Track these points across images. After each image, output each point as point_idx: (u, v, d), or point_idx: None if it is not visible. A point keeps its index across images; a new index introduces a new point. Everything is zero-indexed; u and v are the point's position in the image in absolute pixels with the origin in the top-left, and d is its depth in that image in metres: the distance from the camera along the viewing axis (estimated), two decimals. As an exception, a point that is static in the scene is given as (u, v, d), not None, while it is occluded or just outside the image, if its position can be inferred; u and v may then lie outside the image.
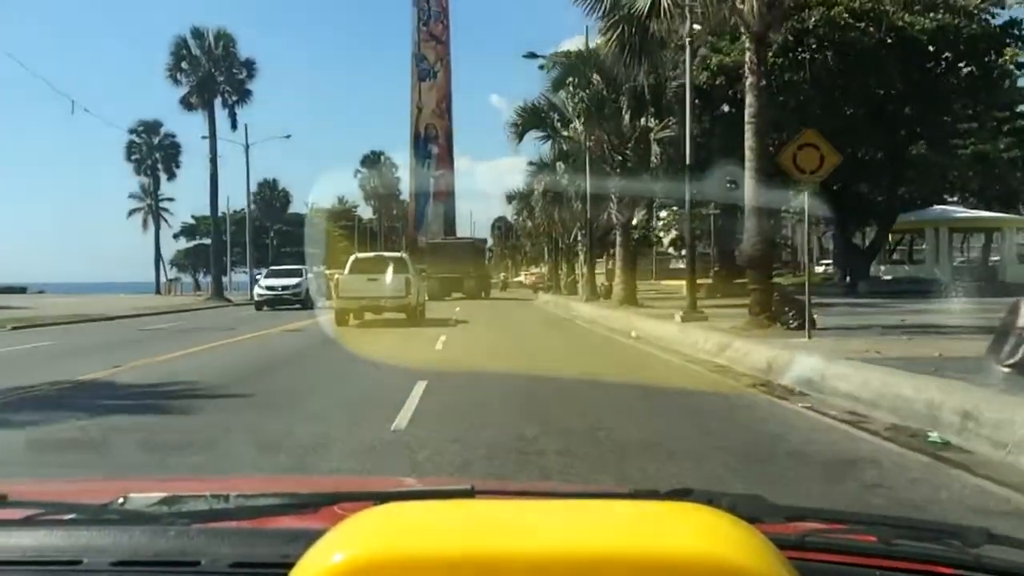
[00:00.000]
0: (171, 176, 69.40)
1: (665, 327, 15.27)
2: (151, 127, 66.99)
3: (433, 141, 76.93)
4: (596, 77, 21.65)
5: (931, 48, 27.04)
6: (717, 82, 24.51)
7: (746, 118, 12.83)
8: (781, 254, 68.61)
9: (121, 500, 1.21)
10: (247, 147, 46.70)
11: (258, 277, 35.48)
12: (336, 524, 0.94)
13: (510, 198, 48.18)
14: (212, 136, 42.10)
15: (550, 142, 24.35)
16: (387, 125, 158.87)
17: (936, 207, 39.45)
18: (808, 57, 25.55)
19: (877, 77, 26.20)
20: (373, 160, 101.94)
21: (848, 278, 33.54)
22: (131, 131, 66.54)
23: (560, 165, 32.47)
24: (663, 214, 54.85)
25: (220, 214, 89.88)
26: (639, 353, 13.07)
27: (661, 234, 58.45)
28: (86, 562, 1.06)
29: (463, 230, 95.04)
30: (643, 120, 21.52)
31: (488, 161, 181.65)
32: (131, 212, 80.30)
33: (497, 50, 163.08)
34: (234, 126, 42.92)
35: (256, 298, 30.75)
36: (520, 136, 23.08)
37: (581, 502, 1.15)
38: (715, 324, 14.57)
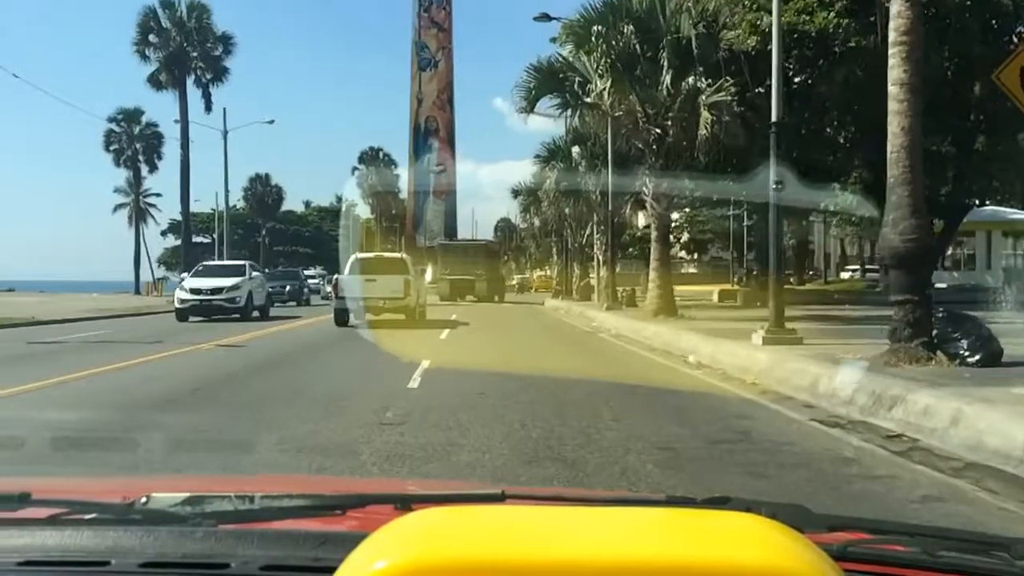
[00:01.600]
0: (152, 168, 65.01)
1: (743, 352, 10.72)
2: (131, 115, 62.44)
3: (433, 134, 72.33)
4: (629, 27, 17.10)
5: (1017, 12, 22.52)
6: (768, 48, 19.94)
7: (891, 39, 8.31)
8: (810, 258, 64.17)
9: (144, 500, 1.20)
10: (225, 133, 42.22)
11: (183, 277, 26.22)
12: (365, 527, 0.98)
13: (516, 193, 43.67)
14: (184, 118, 37.76)
15: (566, 114, 19.71)
16: (386, 119, 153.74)
17: (987, 207, 35.05)
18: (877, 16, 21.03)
19: (956, 41, 21.60)
20: (372, 156, 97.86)
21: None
22: (110, 119, 62.16)
23: (576, 151, 27.99)
24: (675, 216, 49.92)
25: (211, 210, 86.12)
26: (726, 402, 8.45)
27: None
28: (114, 563, 1.05)
29: (465, 230, 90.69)
30: (691, 80, 16.95)
31: (492, 164, 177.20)
32: (116, 207, 75.84)
33: (501, 52, 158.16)
34: (208, 108, 38.59)
35: (177, 304, 22.59)
36: (532, 103, 18.49)
37: (619, 509, 1.15)
38: (820, 348, 10.06)
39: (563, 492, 2.16)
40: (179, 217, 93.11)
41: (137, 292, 62.67)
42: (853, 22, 19.28)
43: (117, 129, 62.85)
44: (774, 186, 10.77)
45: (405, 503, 1.20)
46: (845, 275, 65.82)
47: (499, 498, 1.20)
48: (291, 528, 1.14)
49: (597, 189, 26.82)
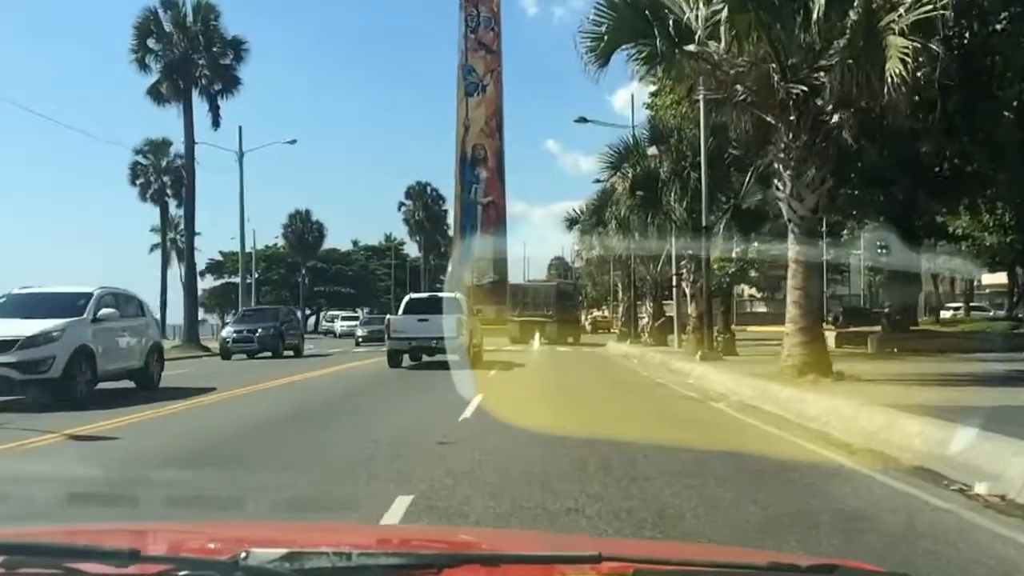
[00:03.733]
0: (181, 203, 60.68)
1: None
2: (158, 147, 58.50)
3: (481, 163, 66.76)
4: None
5: None
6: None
7: None
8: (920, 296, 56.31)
9: (244, 555, 1.24)
10: (241, 155, 37.16)
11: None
12: None
13: (571, 223, 37.42)
14: (188, 134, 32.54)
15: (651, 77, 13.44)
16: (433, 152, 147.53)
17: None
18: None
19: None
20: (419, 192, 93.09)
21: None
22: (136, 151, 58.31)
23: (653, 152, 21.68)
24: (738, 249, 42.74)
25: (250, 249, 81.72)
26: None
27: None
28: None
29: (516, 269, 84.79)
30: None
31: (543, 207, 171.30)
32: (153, 247, 72.08)
33: (551, 93, 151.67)
34: (216, 123, 33.28)
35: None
36: (604, 54, 12.09)
37: None
38: None
39: (658, 551, 2.04)
40: (218, 256, 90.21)
41: (163, 336, 57.62)
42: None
43: (144, 161, 59.03)
44: None
45: (498, 563, 1.32)
46: (946, 313, 57.93)
47: (596, 560, 1.23)
48: None
49: (683, 201, 20.41)
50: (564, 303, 40.36)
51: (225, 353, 26.37)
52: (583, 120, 31.35)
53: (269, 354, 26.32)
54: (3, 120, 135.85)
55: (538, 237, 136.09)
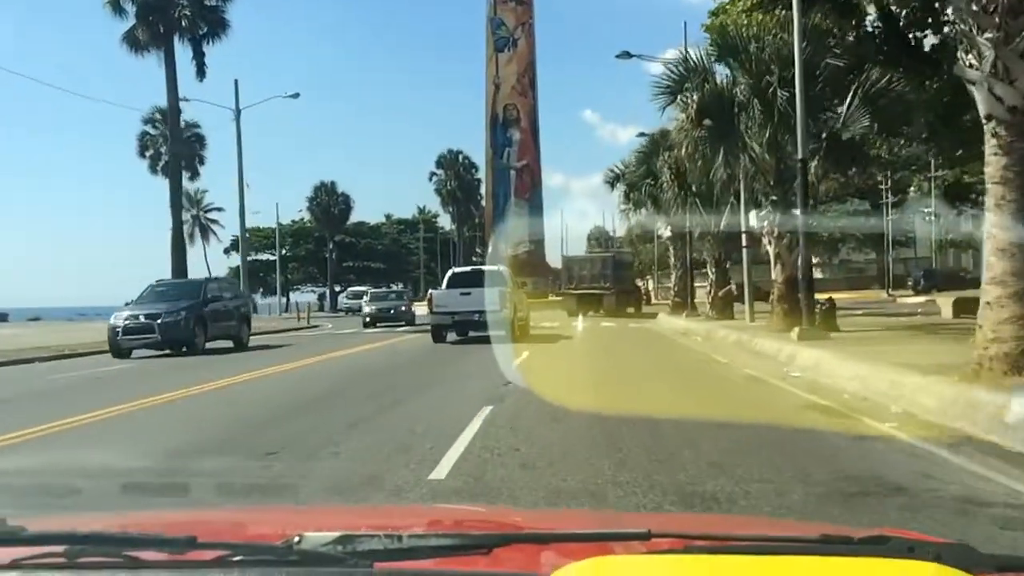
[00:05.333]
0: (194, 175, 57.03)
1: None
2: (168, 115, 54.37)
3: (514, 124, 61.67)
4: None
5: None
6: None
7: None
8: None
9: (297, 539, 1.24)
10: (237, 112, 32.76)
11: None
12: (516, 568, 1.17)
13: (615, 179, 32.48)
14: (171, 86, 28.26)
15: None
16: (464, 116, 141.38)
17: None
18: None
19: None
20: (451, 161, 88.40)
21: None
22: (145, 120, 54.41)
23: (723, 73, 16.71)
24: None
25: (276, 224, 78.03)
26: None
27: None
28: None
29: (553, 240, 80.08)
30: None
31: (581, 179, 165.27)
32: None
33: (590, 58, 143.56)
34: (201, 73, 28.98)
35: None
36: None
37: (794, 560, 1.12)
38: None
39: (710, 525, 2.03)
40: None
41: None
42: None
43: (152, 131, 55.16)
44: None
45: (548, 541, 1.36)
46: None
47: (645, 536, 1.23)
48: (442, 568, 1.19)
49: (766, 130, 15.48)
50: (621, 273, 38.99)
51: (116, 349, 18.28)
52: (626, 55, 26.36)
53: (184, 349, 18.53)
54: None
55: (576, 210, 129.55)
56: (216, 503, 4.89)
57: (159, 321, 18.22)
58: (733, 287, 24.45)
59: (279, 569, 1.18)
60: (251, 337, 21.82)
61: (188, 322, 18.49)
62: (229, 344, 20.10)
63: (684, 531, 1.34)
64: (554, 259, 69.14)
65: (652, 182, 25.59)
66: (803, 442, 6.32)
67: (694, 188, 23.90)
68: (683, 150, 17.40)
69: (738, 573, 1.02)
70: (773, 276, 16.63)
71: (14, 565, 1.21)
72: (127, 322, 18.33)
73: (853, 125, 15.98)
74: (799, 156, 13.93)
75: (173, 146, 28.22)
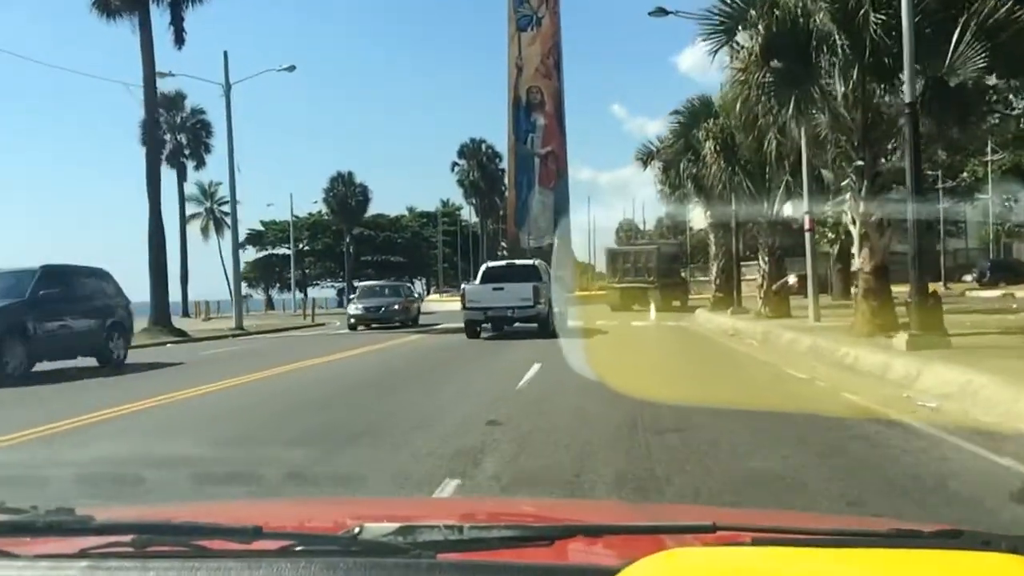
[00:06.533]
0: (199, 164, 54.19)
1: None
2: (171, 101, 51.56)
3: (538, 108, 57.86)
4: None
5: None
6: None
7: None
8: None
9: (358, 529, 1.26)
10: (228, 88, 29.52)
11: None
12: (579, 559, 1.17)
13: (648, 156, 28.73)
14: (147, 55, 24.99)
15: None
16: (486, 104, 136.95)
17: None
18: None
19: None
20: (473, 150, 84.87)
21: None
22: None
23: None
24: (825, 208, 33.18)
25: (294, 216, 74.96)
26: None
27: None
28: None
29: (580, 233, 76.07)
30: None
31: (610, 172, 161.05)
32: (190, 217, 65.56)
33: (618, 53, 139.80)
34: (179, 40, 25.70)
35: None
36: None
37: (866, 552, 1.10)
38: None
39: (777, 519, 1.90)
40: (259, 227, 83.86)
41: (185, 314, 51.24)
42: None
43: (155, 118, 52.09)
44: None
45: (612, 533, 1.35)
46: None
47: (710, 529, 1.21)
48: (506, 560, 1.17)
49: (852, 71, 11.77)
50: (667, 266, 37.72)
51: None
52: (661, 12, 22.66)
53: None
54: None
55: (604, 204, 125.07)
56: None
57: None
58: (792, 279, 20.64)
59: (343, 559, 1.16)
60: (214, 341, 18.27)
61: None
62: (92, 362, 14.41)
63: (749, 524, 1.34)
64: (581, 253, 65.52)
65: (692, 157, 21.82)
66: None
67: (742, 162, 20.17)
68: (739, 105, 13.61)
69: (812, 565, 1.01)
70: (857, 264, 12.85)
71: (83, 554, 1.22)
72: None
73: (963, 67, 12.18)
74: (907, 99, 10.21)
75: (148, 116, 24.92)
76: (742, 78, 12.55)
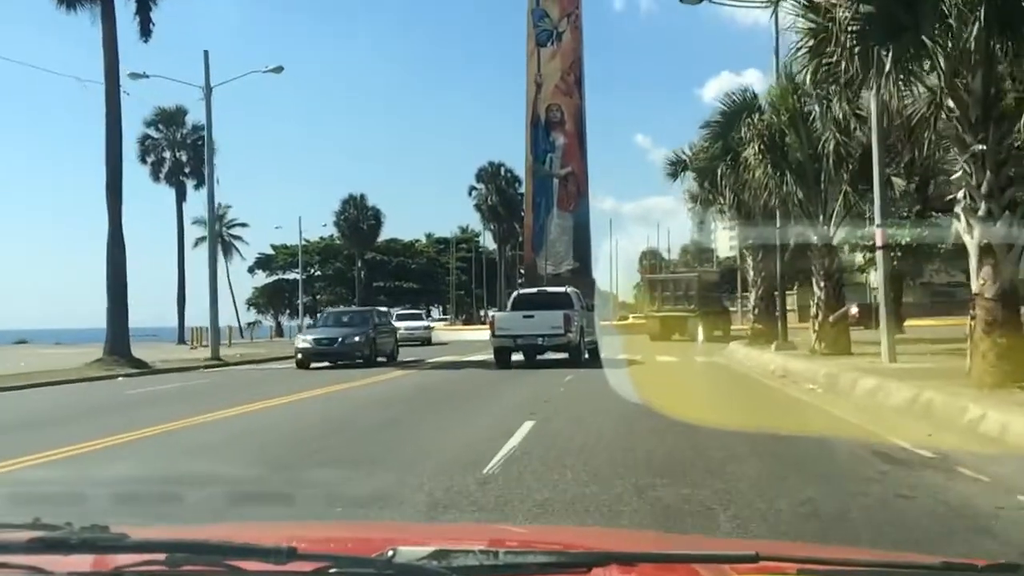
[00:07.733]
0: (200, 183, 51.25)
1: None
2: (171, 117, 49.03)
3: (557, 127, 54.79)
4: None
5: None
6: None
7: None
8: None
9: (391, 553, 1.25)
10: (209, 90, 26.62)
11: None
12: None
13: (678, 166, 25.38)
14: (110, 49, 22.09)
15: None
16: (505, 127, 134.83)
17: None
18: None
19: None
20: (491, 174, 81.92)
21: None
22: (147, 123, 48.98)
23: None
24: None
25: (305, 240, 72.11)
26: None
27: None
28: None
29: (603, 259, 72.56)
30: None
31: (633, 201, 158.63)
32: (197, 241, 62.92)
33: (642, 83, 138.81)
34: (145, 32, 22.82)
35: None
36: None
37: None
38: None
39: (819, 552, 1.74)
40: (270, 251, 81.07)
41: (181, 341, 48.28)
42: None
43: (155, 135, 49.77)
44: None
45: (651, 561, 1.30)
46: None
47: (753, 559, 1.18)
48: None
49: (970, 33, 8.36)
50: (708, 295, 37.03)
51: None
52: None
53: None
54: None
55: (627, 233, 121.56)
56: None
57: None
58: (854, 308, 17.00)
59: None
60: (176, 373, 15.03)
61: None
62: None
63: (793, 555, 1.30)
64: (602, 281, 62.00)
65: (731, 162, 18.37)
66: None
67: (793, 166, 16.68)
68: (809, 76, 10.14)
69: None
70: (976, 288, 9.27)
71: (117, 572, 1.21)
72: None
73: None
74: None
75: (109, 116, 21.92)
76: (822, 27, 9.10)
